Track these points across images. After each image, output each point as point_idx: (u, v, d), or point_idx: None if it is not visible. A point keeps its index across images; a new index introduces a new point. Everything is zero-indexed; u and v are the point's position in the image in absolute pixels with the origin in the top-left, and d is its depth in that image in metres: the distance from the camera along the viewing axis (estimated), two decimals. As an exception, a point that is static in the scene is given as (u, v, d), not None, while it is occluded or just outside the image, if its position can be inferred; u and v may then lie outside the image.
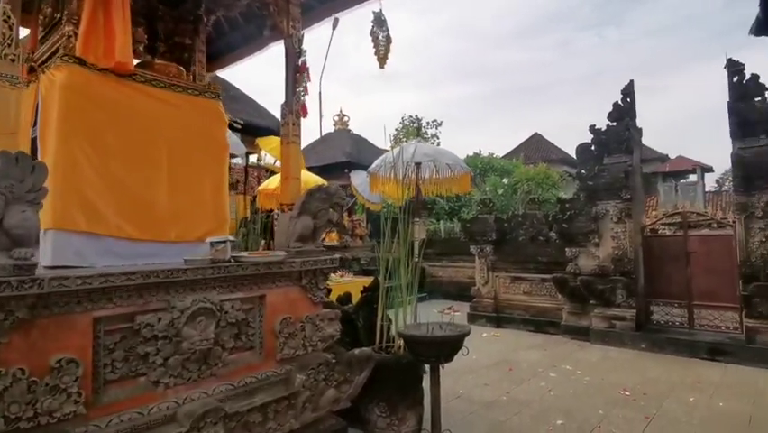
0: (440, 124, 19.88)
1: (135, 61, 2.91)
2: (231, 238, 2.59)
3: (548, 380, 5.00)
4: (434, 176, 4.57)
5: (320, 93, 16.34)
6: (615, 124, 6.79)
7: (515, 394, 4.55)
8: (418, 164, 4.38)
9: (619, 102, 6.78)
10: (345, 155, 11.83)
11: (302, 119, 3.24)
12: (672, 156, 23.80)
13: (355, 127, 13.87)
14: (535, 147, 26.88)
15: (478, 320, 7.97)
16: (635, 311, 6.33)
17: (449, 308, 9.90)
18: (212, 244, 2.54)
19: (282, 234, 3.07)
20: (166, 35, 3.62)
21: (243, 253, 2.72)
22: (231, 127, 8.06)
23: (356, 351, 3.17)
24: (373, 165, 4.61)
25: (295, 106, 3.17)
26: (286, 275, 2.84)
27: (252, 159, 9.73)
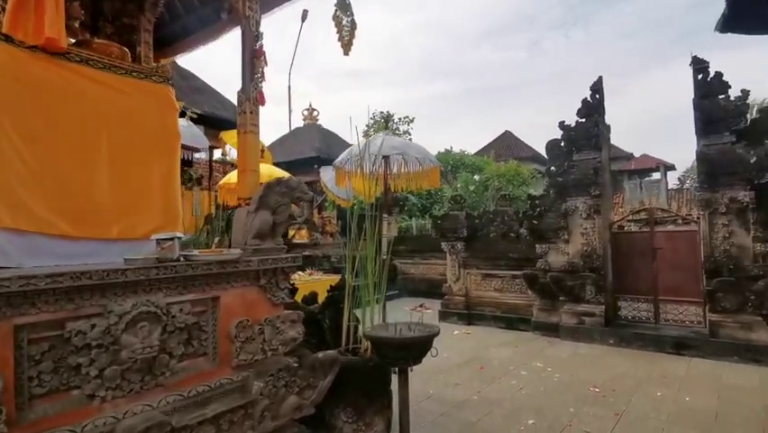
0: (411, 121, 19.75)
1: (72, 40, 2.63)
2: (179, 235, 2.37)
3: (519, 378, 4.95)
4: (403, 170, 4.39)
5: (289, 87, 16.01)
6: (584, 120, 6.82)
7: (486, 393, 4.47)
8: (386, 158, 4.22)
9: (588, 99, 6.81)
10: (314, 150, 11.56)
11: (261, 107, 3.02)
12: (637, 155, 24.51)
13: (325, 124, 13.58)
14: (506, 144, 27.20)
15: (449, 318, 7.91)
16: (603, 307, 6.38)
17: (420, 306, 9.81)
18: (158, 241, 2.31)
19: (239, 230, 2.85)
20: (113, 15, 3.33)
21: (195, 252, 2.49)
22: (192, 119, 7.72)
23: (320, 354, 2.99)
24: (339, 158, 4.41)
25: (252, 93, 2.95)
26: (242, 275, 2.63)
27: (217, 154, 9.37)
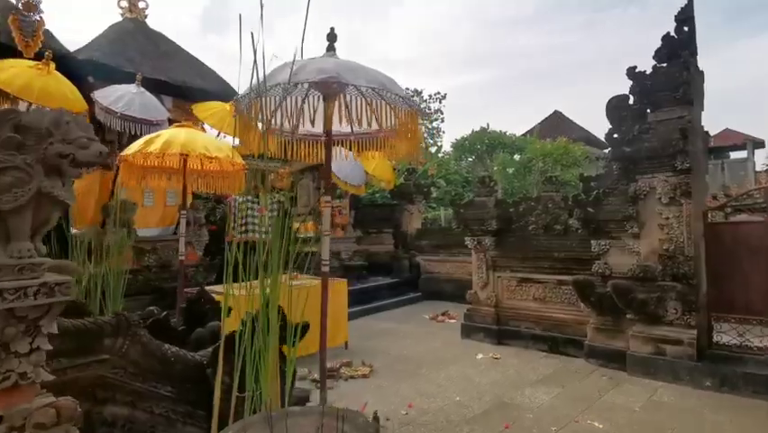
0: (444, 97, 17.67)
1: None
2: None
3: (566, 453, 3.17)
4: (357, 122, 2.56)
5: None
6: (665, 65, 4.79)
7: (509, 490, 2.74)
8: (328, 97, 2.52)
9: (673, 34, 4.76)
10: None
11: None
12: (713, 133, 21.19)
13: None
14: (555, 125, 24.46)
15: (474, 334, 6.14)
16: (695, 332, 4.41)
17: (443, 314, 8.04)
18: None
19: None
20: None
21: None
22: (157, 89, 6.42)
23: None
24: (238, 95, 2.72)
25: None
26: None
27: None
